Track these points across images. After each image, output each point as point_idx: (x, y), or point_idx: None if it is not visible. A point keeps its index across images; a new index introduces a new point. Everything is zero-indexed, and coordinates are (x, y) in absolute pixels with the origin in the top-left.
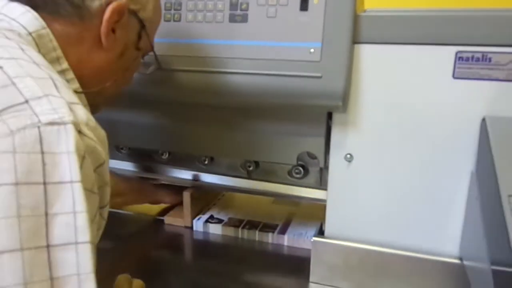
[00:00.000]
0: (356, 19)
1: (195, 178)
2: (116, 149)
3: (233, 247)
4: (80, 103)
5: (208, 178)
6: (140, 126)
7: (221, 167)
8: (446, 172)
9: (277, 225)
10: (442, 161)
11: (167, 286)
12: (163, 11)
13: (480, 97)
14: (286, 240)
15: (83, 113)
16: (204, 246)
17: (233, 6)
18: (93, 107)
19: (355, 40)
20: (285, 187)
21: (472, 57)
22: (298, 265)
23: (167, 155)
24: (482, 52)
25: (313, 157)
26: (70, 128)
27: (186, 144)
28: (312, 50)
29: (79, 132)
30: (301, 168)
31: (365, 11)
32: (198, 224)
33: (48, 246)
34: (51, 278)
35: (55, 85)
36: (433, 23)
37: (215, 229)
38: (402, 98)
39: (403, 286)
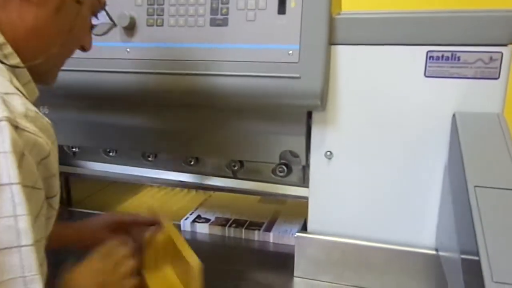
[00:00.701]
0: (331, 22)
1: (181, 180)
2: (103, 153)
3: (220, 245)
4: (16, 92)
5: (194, 178)
6: (127, 129)
7: (206, 168)
8: (421, 167)
9: (263, 223)
10: (418, 156)
11: None
12: (145, 17)
13: (450, 94)
14: (272, 237)
15: (20, 103)
16: (192, 245)
17: (213, 11)
18: (45, 78)
19: (332, 41)
20: (270, 186)
21: (442, 56)
22: (283, 261)
23: (153, 157)
24: (452, 51)
25: (295, 155)
26: (5, 126)
27: (171, 145)
28: (290, 52)
29: (16, 127)
30: (284, 167)
31: (340, 13)
32: (186, 224)
33: None
34: None
35: None
36: (405, 25)
37: (202, 229)
38: (377, 97)
39: (384, 277)
